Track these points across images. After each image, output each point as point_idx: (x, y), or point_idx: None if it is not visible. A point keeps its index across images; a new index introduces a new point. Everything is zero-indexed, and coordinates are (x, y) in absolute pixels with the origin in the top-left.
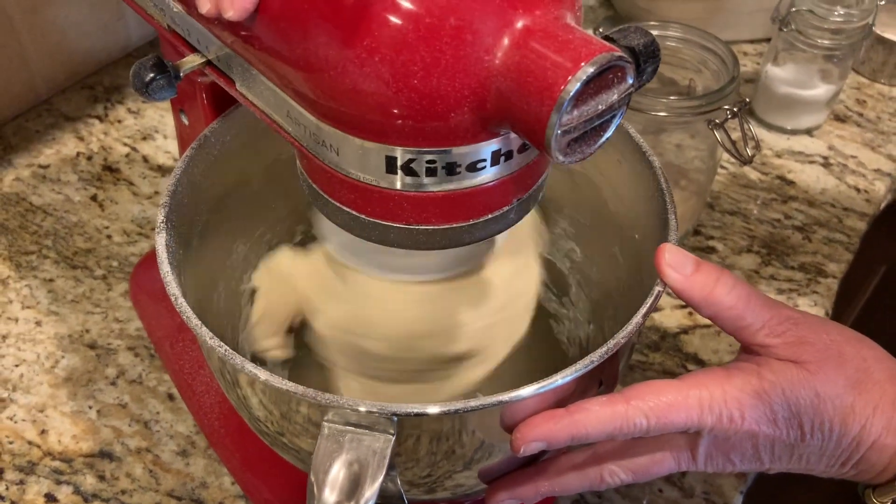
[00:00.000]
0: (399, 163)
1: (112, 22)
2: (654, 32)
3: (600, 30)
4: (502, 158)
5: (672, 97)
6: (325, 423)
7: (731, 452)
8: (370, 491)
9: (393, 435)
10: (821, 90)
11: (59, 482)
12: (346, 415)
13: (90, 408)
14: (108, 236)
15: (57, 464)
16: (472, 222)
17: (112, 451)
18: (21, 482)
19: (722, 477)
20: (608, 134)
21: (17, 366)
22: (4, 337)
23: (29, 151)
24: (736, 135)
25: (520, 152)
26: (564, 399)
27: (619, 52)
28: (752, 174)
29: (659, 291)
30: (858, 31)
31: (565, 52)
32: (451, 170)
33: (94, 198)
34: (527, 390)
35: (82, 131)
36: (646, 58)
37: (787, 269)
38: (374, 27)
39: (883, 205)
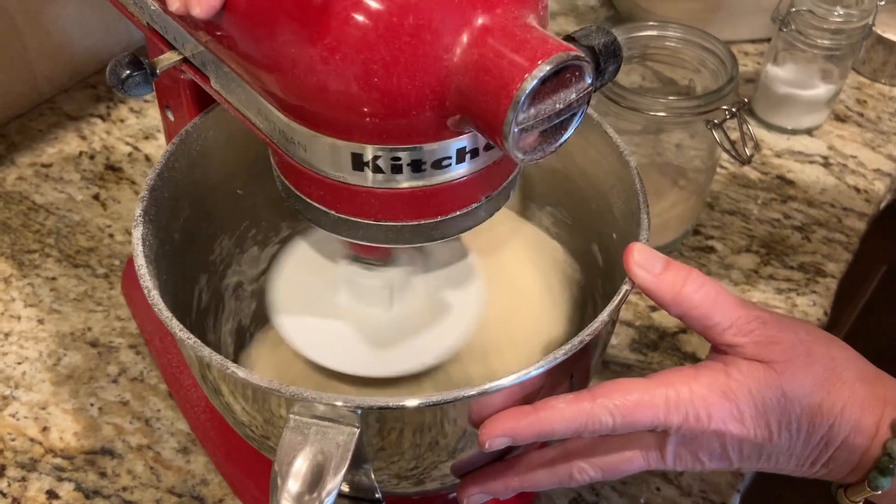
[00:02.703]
0: (365, 160)
1: (114, 21)
2: (654, 32)
3: None
4: (468, 156)
5: (671, 97)
6: (291, 416)
7: (699, 451)
8: (332, 483)
9: (358, 428)
10: (821, 90)
11: (60, 479)
12: (312, 408)
13: (92, 405)
14: (111, 235)
15: (59, 461)
16: (440, 219)
17: (113, 449)
18: (23, 479)
19: (719, 475)
20: (568, 133)
21: (19, 363)
22: (7, 335)
23: (32, 150)
24: (735, 135)
25: (486, 150)
26: (532, 395)
27: (576, 52)
28: (751, 174)
29: (626, 290)
30: (858, 31)
31: (522, 50)
32: (416, 167)
33: (96, 197)
34: (490, 385)
35: (85, 130)
36: (606, 57)
37: (786, 269)
38: (335, 26)
39: (883, 205)
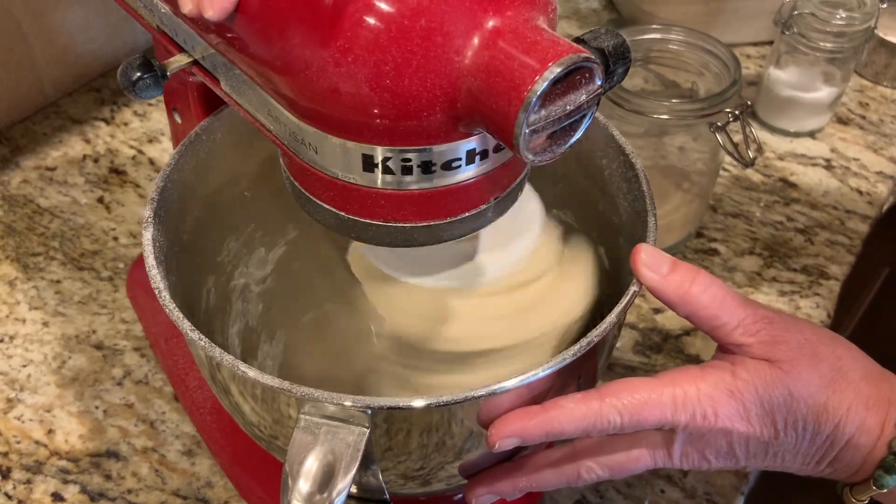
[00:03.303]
0: (375, 161)
1: (118, 25)
2: (657, 35)
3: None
4: (478, 157)
5: (674, 100)
6: (302, 416)
7: (706, 450)
8: (343, 483)
9: (368, 428)
10: (823, 93)
11: (65, 481)
12: (322, 408)
13: (97, 408)
14: (115, 238)
15: (64, 463)
16: (449, 220)
17: (118, 451)
18: (28, 481)
19: (723, 477)
20: (578, 134)
21: (24, 366)
22: (12, 337)
23: (36, 153)
24: (738, 137)
25: (495, 152)
26: (541, 396)
27: (586, 54)
28: (754, 176)
29: (634, 291)
30: (860, 34)
31: (533, 52)
32: (426, 168)
33: (100, 200)
34: (499, 386)
35: (89, 134)
36: (615, 59)
37: (789, 272)
38: (347, 28)
39: (885, 207)
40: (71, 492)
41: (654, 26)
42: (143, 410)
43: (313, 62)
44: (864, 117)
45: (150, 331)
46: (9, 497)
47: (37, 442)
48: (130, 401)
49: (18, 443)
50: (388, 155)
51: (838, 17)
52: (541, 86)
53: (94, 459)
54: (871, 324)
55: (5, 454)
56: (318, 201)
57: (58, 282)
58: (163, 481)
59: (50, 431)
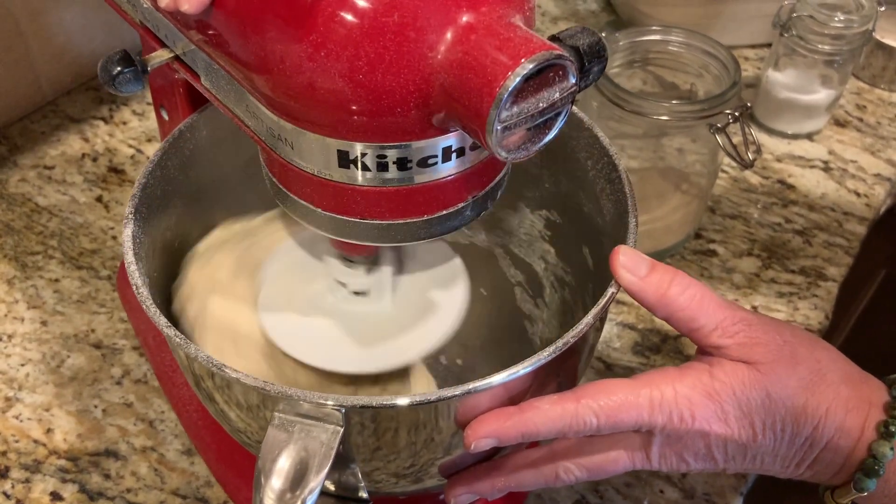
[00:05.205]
0: (351, 157)
1: (117, 24)
2: (657, 37)
3: (602, 34)
4: (454, 155)
5: (674, 101)
6: (276, 414)
7: (684, 452)
8: (315, 481)
9: (341, 427)
10: (821, 95)
11: (64, 481)
12: (297, 406)
13: (95, 407)
14: (114, 237)
15: (62, 462)
16: (426, 218)
17: (117, 450)
18: (27, 480)
19: (723, 478)
20: (553, 132)
21: (22, 365)
22: (10, 336)
23: (34, 152)
24: (737, 139)
25: (472, 149)
26: (518, 396)
27: (559, 51)
28: (752, 178)
29: (612, 293)
30: (858, 37)
31: (506, 49)
32: (402, 165)
33: (99, 199)
34: (475, 385)
35: (87, 133)
36: (590, 58)
37: (787, 273)
38: (321, 23)
39: (882, 209)
40: (69, 491)
41: (654, 28)
42: (142, 410)
43: (288, 57)
44: (861, 120)
45: (138, 327)
46: (7, 496)
47: (35, 441)
48: (129, 400)
49: (17, 442)
50: (365, 151)
51: (836, 19)
52: (512, 82)
53: (93, 459)
54: (868, 325)
55: (4, 453)
56: (296, 198)
57: (56, 281)
58: (162, 481)
59: (48, 430)
